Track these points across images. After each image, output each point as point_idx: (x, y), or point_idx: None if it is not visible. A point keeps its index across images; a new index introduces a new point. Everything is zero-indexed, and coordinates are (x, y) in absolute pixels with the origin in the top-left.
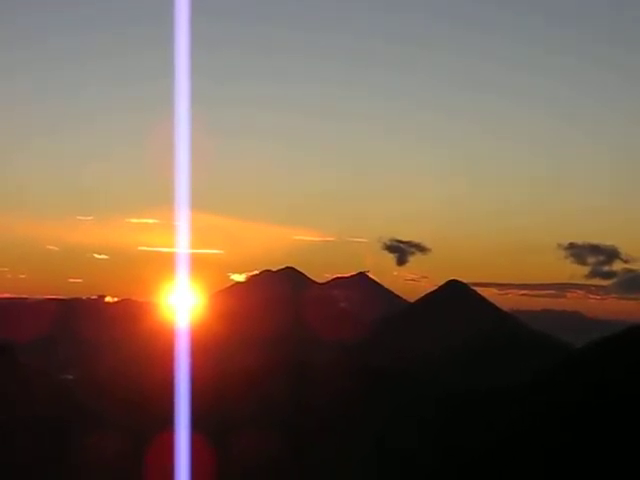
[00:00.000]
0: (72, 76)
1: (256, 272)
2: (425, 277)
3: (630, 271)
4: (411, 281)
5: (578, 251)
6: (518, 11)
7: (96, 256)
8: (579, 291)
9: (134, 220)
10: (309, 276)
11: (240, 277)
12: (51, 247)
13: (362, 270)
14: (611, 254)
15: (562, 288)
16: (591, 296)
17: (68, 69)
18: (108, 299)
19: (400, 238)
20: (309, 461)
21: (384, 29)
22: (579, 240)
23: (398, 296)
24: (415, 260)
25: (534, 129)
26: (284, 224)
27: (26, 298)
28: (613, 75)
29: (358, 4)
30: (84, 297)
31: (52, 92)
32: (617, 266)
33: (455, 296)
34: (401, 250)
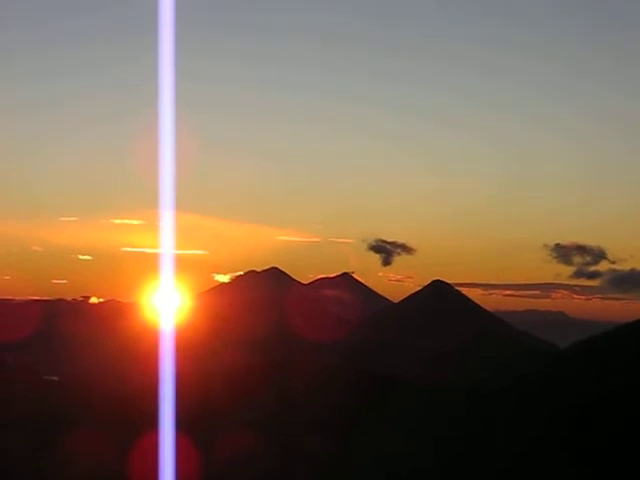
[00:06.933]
0: (57, 78)
1: (240, 273)
2: (410, 277)
3: (616, 271)
4: (396, 281)
5: (564, 251)
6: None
7: (80, 257)
8: (564, 291)
9: (118, 221)
10: (294, 277)
11: (224, 278)
12: (36, 248)
13: (347, 271)
14: (597, 254)
15: (547, 288)
16: (576, 296)
17: (53, 72)
18: (93, 300)
19: (385, 238)
20: (295, 462)
21: (359, 28)
22: (565, 240)
23: (382, 296)
24: (400, 260)
25: (520, 130)
26: (269, 225)
27: (11, 299)
28: (591, 78)
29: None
30: (69, 298)
31: (37, 95)
32: (603, 266)
33: (439, 296)
34: (386, 250)
